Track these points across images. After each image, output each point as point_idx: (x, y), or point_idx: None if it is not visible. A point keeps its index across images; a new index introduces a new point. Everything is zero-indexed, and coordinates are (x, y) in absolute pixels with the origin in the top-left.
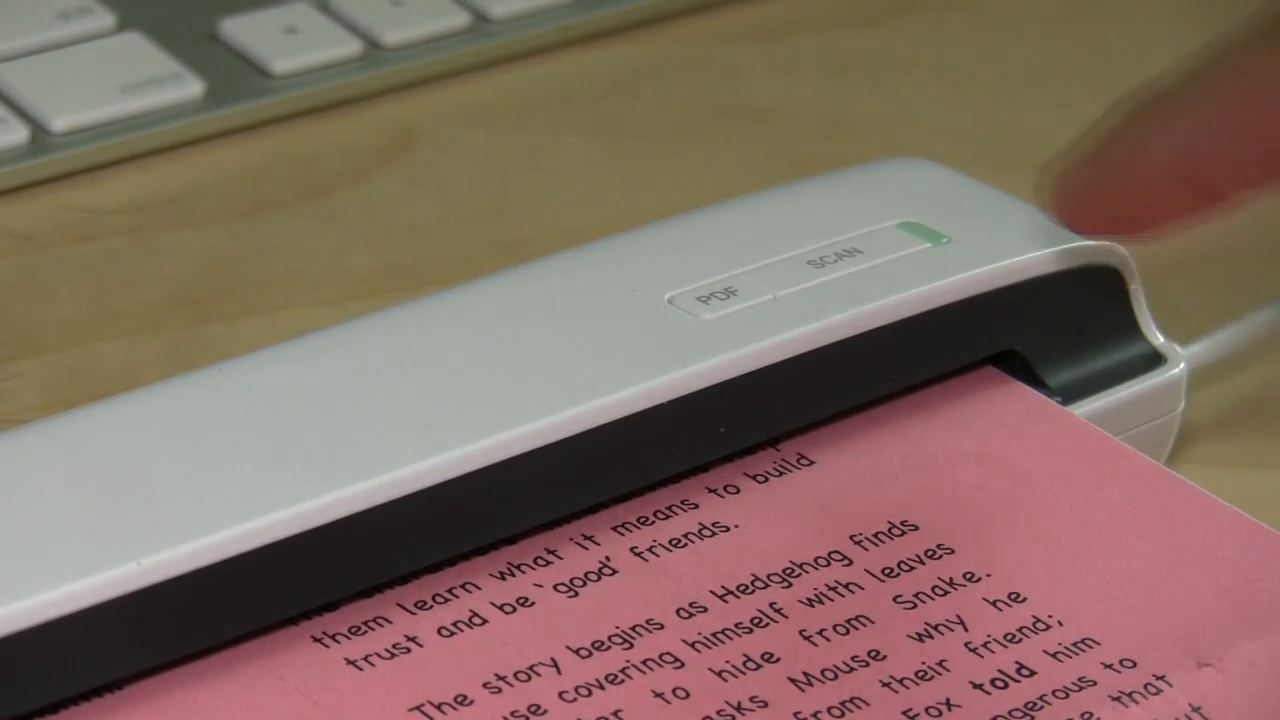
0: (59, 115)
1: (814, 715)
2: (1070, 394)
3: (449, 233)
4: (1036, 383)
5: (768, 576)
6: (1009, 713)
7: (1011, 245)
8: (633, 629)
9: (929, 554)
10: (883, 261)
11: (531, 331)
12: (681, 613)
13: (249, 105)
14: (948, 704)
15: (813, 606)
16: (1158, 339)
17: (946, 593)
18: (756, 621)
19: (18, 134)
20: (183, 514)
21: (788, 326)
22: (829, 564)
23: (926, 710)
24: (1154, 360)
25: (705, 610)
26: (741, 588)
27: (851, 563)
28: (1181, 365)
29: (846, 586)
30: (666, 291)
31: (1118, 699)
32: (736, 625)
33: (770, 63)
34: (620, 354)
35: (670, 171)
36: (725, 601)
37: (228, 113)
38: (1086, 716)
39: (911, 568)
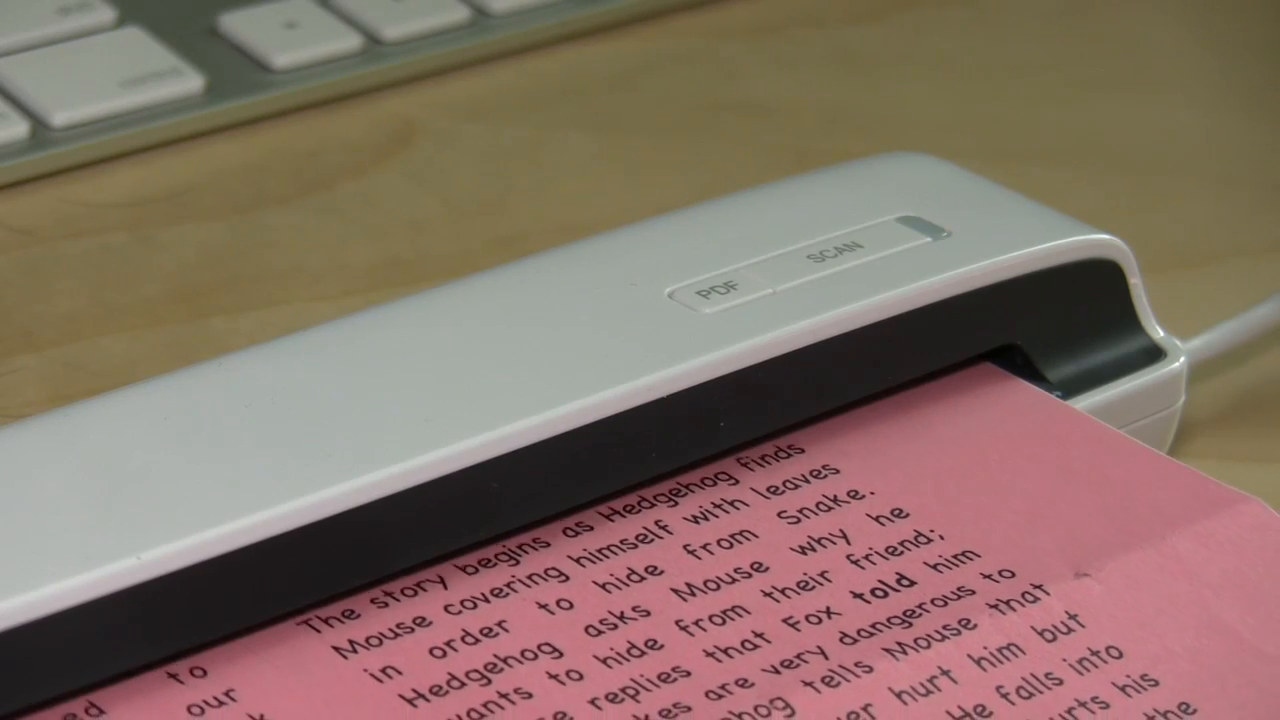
0: (59, 110)
1: (695, 623)
2: (1070, 388)
3: (449, 227)
4: (1036, 377)
5: (654, 497)
6: (888, 619)
7: (1011, 239)
8: (519, 547)
9: (814, 474)
10: (882, 256)
11: (531, 326)
12: (568, 532)
13: (249, 100)
14: (828, 612)
15: (698, 523)
16: (1158, 333)
17: (830, 509)
18: (641, 538)
19: (18, 129)
20: (183, 508)
21: (788, 321)
22: (715, 484)
23: (807, 618)
24: (1154, 354)
25: (591, 529)
26: (628, 508)
27: (738, 482)
28: (1182, 359)
29: (732, 504)
30: (666, 286)
31: (995, 607)
32: (622, 541)
33: (770, 58)
34: (620, 349)
35: (670, 166)
36: (612, 521)
37: (228, 107)
38: (964, 623)
39: (796, 486)
